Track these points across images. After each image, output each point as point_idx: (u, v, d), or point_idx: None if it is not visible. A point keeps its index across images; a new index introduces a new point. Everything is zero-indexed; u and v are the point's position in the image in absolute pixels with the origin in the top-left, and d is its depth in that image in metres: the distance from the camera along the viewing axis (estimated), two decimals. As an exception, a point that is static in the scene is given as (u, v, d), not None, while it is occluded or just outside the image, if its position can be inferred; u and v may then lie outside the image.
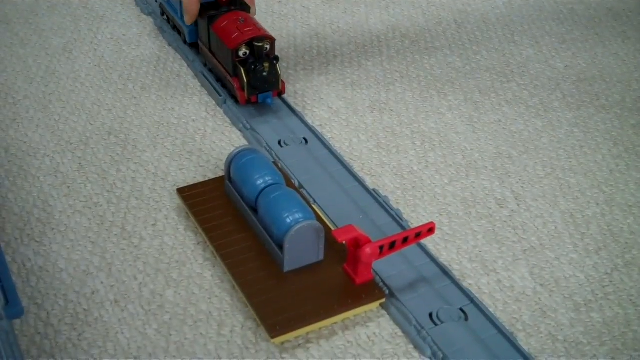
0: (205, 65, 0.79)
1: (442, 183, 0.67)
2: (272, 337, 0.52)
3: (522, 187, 0.67)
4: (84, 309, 0.55)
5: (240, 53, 0.70)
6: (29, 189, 0.65)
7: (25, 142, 0.70)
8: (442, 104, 0.77)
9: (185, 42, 0.82)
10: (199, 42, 0.79)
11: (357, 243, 0.54)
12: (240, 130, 0.72)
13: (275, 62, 0.70)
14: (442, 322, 0.54)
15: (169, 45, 0.84)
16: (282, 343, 0.53)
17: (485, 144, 0.72)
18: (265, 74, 0.70)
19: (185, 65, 0.81)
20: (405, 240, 0.55)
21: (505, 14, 0.93)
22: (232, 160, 0.61)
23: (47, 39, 0.85)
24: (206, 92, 0.77)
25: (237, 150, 0.61)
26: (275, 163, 0.66)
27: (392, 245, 0.55)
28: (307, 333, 0.54)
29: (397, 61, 0.83)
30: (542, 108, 0.77)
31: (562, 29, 0.90)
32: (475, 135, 0.73)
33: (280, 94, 0.73)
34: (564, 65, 0.84)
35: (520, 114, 0.76)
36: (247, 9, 0.75)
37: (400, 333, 0.54)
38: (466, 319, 0.55)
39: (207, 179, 0.66)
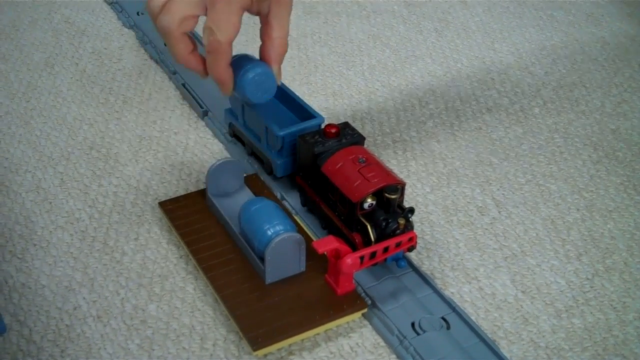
0: (304, 204, 0.64)
1: (423, 192, 0.68)
2: (255, 350, 0.52)
3: (503, 194, 0.68)
4: (67, 325, 0.55)
5: (366, 205, 0.56)
6: (10, 205, 0.65)
7: (6, 158, 0.70)
8: (423, 113, 0.77)
9: (269, 173, 0.67)
10: (299, 179, 0.63)
11: (338, 254, 0.54)
12: (222, 143, 0.72)
13: (410, 215, 0.57)
14: (424, 332, 0.54)
15: (151, 58, 0.84)
16: (265, 355, 0.53)
17: (466, 152, 0.72)
18: (399, 232, 0.56)
19: (167, 78, 0.81)
20: (385, 250, 0.55)
21: (485, 21, 0.93)
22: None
23: (29, 54, 0.85)
24: (188, 105, 0.77)
25: (219, 163, 0.61)
26: (257, 175, 0.67)
27: (373, 256, 0.55)
28: (290, 345, 0.54)
29: (378, 70, 0.84)
30: (523, 115, 0.78)
31: (541, 35, 0.91)
32: (456, 143, 0.73)
33: (411, 248, 0.57)
34: (544, 72, 0.84)
35: (500, 121, 0.77)
36: (361, 140, 0.61)
37: (382, 343, 0.55)
38: (448, 327, 0.55)
39: (189, 192, 0.66)
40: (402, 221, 0.56)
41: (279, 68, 0.62)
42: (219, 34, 0.56)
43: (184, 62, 0.60)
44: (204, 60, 0.60)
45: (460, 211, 0.66)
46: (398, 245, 0.56)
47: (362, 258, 0.54)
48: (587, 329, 0.56)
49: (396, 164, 0.71)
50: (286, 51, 0.61)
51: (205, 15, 0.57)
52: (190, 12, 0.58)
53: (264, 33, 0.60)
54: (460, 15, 0.94)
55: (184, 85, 0.79)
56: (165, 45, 0.59)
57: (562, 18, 0.94)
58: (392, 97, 0.79)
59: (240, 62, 0.60)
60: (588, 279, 0.60)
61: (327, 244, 0.53)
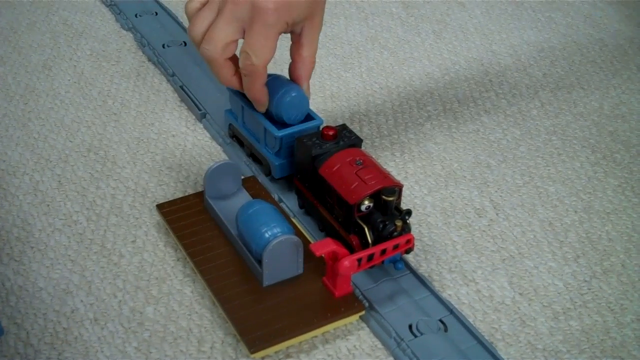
0: (301, 207, 0.64)
1: (421, 194, 0.68)
2: (252, 353, 0.52)
3: (501, 196, 0.68)
4: (64, 328, 0.55)
5: (363, 207, 0.57)
6: (8, 208, 0.65)
7: (4, 161, 0.70)
8: (421, 115, 0.77)
9: (267, 175, 0.67)
10: (297, 181, 0.64)
11: (335, 256, 0.54)
12: (219, 145, 0.72)
13: (408, 217, 0.57)
14: (421, 334, 0.54)
15: (149, 60, 0.84)
16: (263, 358, 0.53)
17: (464, 154, 0.72)
18: (396, 234, 0.57)
19: (165, 80, 0.81)
20: (383, 253, 0.55)
21: (483, 23, 0.93)
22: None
23: (27, 57, 0.85)
24: (186, 107, 0.77)
25: (216, 165, 0.61)
26: (255, 177, 0.67)
27: (370, 258, 0.55)
28: (287, 347, 0.54)
29: (376, 72, 0.84)
30: (521, 116, 0.78)
31: (539, 37, 0.91)
32: (454, 145, 0.73)
33: (409, 250, 0.58)
34: (542, 74, 0.84)
35: (498, 123, 0.77)
36: (358, 142, 0.62)
37: (380, 345, 0.55)
38: (445, 330, 0.55)
39: (187, 194, 0.66)
40: (399, 223, 0.56)
41: (308, 85, 0.65)
42: (255, 58, 0.59)
43: (228, 84, 0.63)
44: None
45: (457, 213, 0.66)
46: (395, 247, 0.56)
47: (359, 260, 0.54)
48: (584, 331, 0.56)
49: (394, 165, 0.71)
50: (313, 67, 0.65)
51: (243, 39, 0.60)
52: (231, 38, 0.60)
53: (295, 52, 0.63)
54: (458, 17, 0.94)
55: (181, 87, 0.79)
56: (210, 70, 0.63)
57: (560, 19, 0.94)
58: (390, 99, 0.80)
59: (275, 84, 0.64)
60: (586, 281, 0.60)
61: (324, 247, 0.53)
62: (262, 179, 0.67)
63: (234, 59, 0.62)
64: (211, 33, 0.60)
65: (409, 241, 0.56)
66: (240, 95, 0.66)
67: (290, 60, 0.64)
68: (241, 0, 0.58)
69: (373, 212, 0.56)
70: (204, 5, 0.62)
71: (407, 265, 0.60)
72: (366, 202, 0.56)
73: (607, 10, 0.97)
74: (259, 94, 0.62)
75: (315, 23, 0.62)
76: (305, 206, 0.63)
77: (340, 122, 0.76)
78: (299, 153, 0.62)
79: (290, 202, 0.65)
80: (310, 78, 0.65)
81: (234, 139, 0.71)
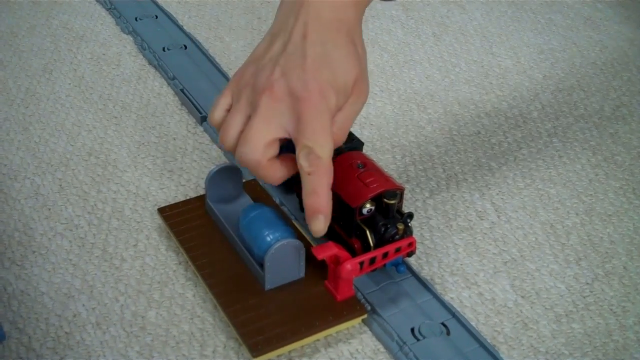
0: (301, 210, 0.59)
1: (422, 196, 0.68)
2: (255, 357, 0.52)
3: (502, 198, 0.68)
4: (66, 332, 0.55)
5: (364, 211, 0.56)
6: (9, 212, 0.65)
7: (5, 165, 0.70)
8: (422, 117, 0.77)
9: None
10: (296, 186, 0.62)
11: (337, 260, 0.54)
12: (220, 148, 0.72)
13: (409, 220, 0.57)
14: (424, 337, 0.54)
15: (149, 63, 0.84)
16: (265, 362, 0.53)
17: (465, 156, 0.72)
18: (398, 237, 0.57)
19: (165, 83, 0.81)
20: (385, 256, 0.55)
21: (483, 25, 0.93)
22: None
23: (27, 60, 0.84)
24: (186, 110, 0.77)
25: (217, 169, 0.61)
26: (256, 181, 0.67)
27: (373, 261, 0.55)
28: (290, 351, 0.54)
29: (376, 75, 0.84)
30: (521, 119, 0.78)
31: (540, 39, 0.91)
32: (455, 148, 0.73)
33: (411, 253, 0.58)
34: (543, 76, 0.84)
35: (499, 125, 0.77)
36: (360, 146, 0.60)
37: (382, 349, 0.54)
38: (448, 333, 0.55)
39: (188, 197, 0.66)
40: (401, 226, 0.56)
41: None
42: (319, 149, 0.51)
43: (278, 183, 0.55)
44: (292, 160, 0.53)
45: (459, 216, 0.66)
46: (398, 250, 0.55)
47: (361, 264, 0.54)
48: (587, 333, 0.56)
49: (395, 168, 0.71)
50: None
51: (289, 136, 0.52)
52: (272, 136, 0.52)
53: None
54: (459, 20, 0.94)
55: (182, 90, 0.79)
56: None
57: (561, 22, 0.94)
58: (390, 102, 0.79)
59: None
60: (588, 283, 0.60)
61: (326, 250, 0.53)
62: (268, 186, 0.67)
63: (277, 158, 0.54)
64: (247, 134, 0.52)
65: (411, 244, 0.56)
66: None
67: None
68: (279, 95, 0.51)
69: (375, 215, 0.56)
70: (228, 111, 0.55)
71: (409, 269, 0.60)
72: (368, 206, 0.56)
73: (607, 12, 0.97)
74: (324, 200, 0.52)
75: (361, 88, 0.54)
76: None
77: (341, 125, 0.76)
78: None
79: (291, 205, 0.65)
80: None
81: None
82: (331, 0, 0.53)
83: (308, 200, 0.52)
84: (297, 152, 0.52)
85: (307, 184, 0.52)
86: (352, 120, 0.55)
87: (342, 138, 0.54)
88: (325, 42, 0.52)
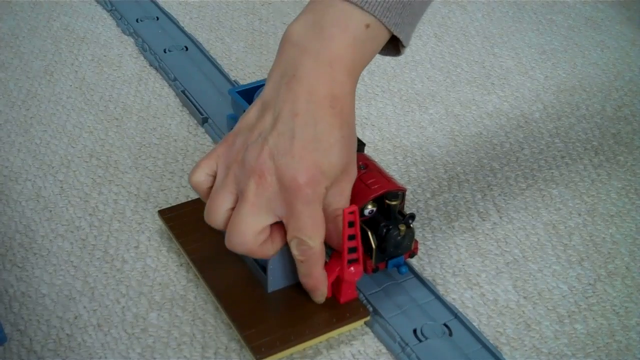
0: None
1: (424, 197, 0.68)
2: (257, 359, 0.52)
3: (504, 199, 0.68)
4: (67, 334, 0.55)
5: (366, 212, 0.56)
6: (10, 214, 0.65)
7: (6, 167, 0.70)
8: (424, 118, 0.77)
9: None
10: None
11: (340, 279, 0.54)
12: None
13: (411, 221, 0.56)
14: (426, 338, 0.54)
15: (150, 65, 0.84)
16: (267, 364, 0.53)
17: (466, 157, 0.72)
18: (399, 238, 0.57)
19: (166, 85, 0.81)
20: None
21: (485, 26, 0.93)
22: None
23: (28, 62, 0.84)
24: (187, 112, 0.77)
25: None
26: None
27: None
28: (292, 353, 0.54)
29: (377, 76, 0.83)
30: (523, 119, 0.77)
31: (541, 39, 0.91)
32: (457, 149, 0.73)
33: (412, 255, 0.59)
34: (544, 76, 0.84)
35: (501, 126, 0.76)
36: (361, 147, 0.59)
37: (384, 350, 0.54)
38: (450, 334, 0.55)
39: (189, 199, 0.66)
40: (403, 227, 0.56)
41: (339, 242, 0.54)
42: (310, 241, 0.51)
43: (276, 254, 0.54)
44: (282, 239, 0.53)
45: (461, 217, 0.66)
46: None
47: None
48: (589, 334, 0.56)
49: (397, 169, 0.70)
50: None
51: (278, 220, 0.51)
52: (262, 225, 0.51)
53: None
54: (460, 20, 0.94)
55: (183, 92, 0.78)
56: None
57: (562, 22, 0.94)
58: (392, 103, 0.79)
59: None
60: (590, 284, 0.60)
61: (330, 275, 0.54)
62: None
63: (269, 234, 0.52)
64: (237, 224, 0.51)
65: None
66: (243, 99, 0.66)
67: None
68: (268, 182, 0.50)
69: (376, 217, 0.56)
70: (212, 177, 0.54)
71: (411, 270, 0.59)
72: (369, 207, 0.56)
73: (609, 12, 0.96)
74: (319, 280, 0.53)
75: (349, 172, 0.53)
76: None
77: (343, 126, 0.75)
78: None
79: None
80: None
81: None
82: (326, 73, 0.50)
83: (303, 280, 0.54)
84: (287, 238, 0.52)
85: (301, 270, 0.53)
86: (348, 195, 0.53)
87: (338, 225, 0.53)
88: (317, 123, 0.50)
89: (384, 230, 0.55)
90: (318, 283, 0.53)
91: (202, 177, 0.54)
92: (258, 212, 0.50)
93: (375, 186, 0.56)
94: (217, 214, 0.52)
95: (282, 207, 0.50)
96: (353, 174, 0.53)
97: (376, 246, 0.56)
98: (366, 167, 0.57)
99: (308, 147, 0.50)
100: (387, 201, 0.55)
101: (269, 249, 0.52)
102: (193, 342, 0.54)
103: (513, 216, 0.66)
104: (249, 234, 0.51)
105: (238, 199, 0.51)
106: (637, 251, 0.63)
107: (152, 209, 0.65)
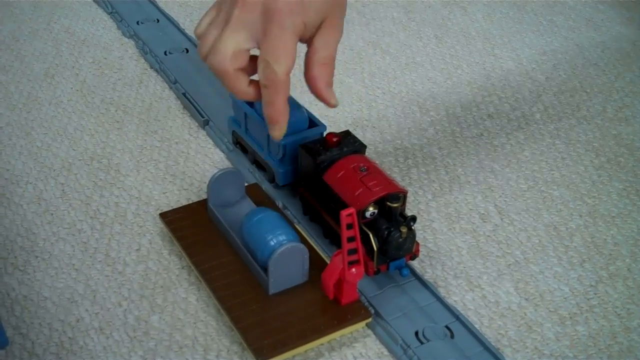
0: (305, 213, 0.64)
1: (425, 199, 0.68)
2: (259, 361, 0.52)
3: (505, 200, 0.68)
4: (69, 338, 0.55)
5: (367, 214, 0.56)
6: (11, 217, 0.65)
7: (7, 170, 0.70)
8: (424, 120, 0.77)
9: (271, 182, 0.67)
10: (301, 188, 0.63)
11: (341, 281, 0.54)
12: (223, 152, 0.72)
13: (412, 223, 0.56)
14: (428, 341, 0.54)
15: (151, 67, 0.84)
16: (269, 366, 0.53)
17: (467, 159, 0.72)
18: (401, 240, 0.56)
19: (167, 87, 0.81)
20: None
21: (485, 27, 0.93)
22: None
23: (29, 65, 0.84)
24: (188, 114, 0.77)
25: (220, 173, 0.61)
26: (259, 185, 0.66)
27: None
28: (294, 355, 0.54)
29: (378, 77, 0.83)
30: (524, 120, 0.78)
31: (542, 40, 0.91)
32: (458, 150, 0.73)
33: (414, 257, 0.59)
34: (545, 77, 0.84)
35: (502, 127, 0.76)
36: (362, 149, 0.60)
37: (386, 352, 0.54)
38: (452, 336, 0.55)
39: (190, 201, 0.66)
40: (404, 230, 0.56)
41: (331, 91, 0.58)
42: (275, 65, 0.53)
43: (244, 97, 0.57)
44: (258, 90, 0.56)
45: (462, 218, 0.66)
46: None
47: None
48: (591, 336, 0.56)
49: (397, 171, 0.70)
50: (332, 73, 0.58)
51: (257, 47, 0.55)
52: (239, 46, 0.54)
53: (307, 55, 0.57)
54: (460, 21, 0.94)
55: (184, 94, 0.78)
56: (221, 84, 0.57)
57: (562, 23, 0.94)
58: (392, 104, 0.79)
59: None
60: (592, 285, 0.60)
61: (332, 276, 0.54)
62: (266, 186, 0.67)
63: (247, 71, 0.56)
64: (218, 43, 0.54)
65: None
66: (244, 102, 0.66)
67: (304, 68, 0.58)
68: (250, 5, 0.53)
69: (378, 219, 0.56)
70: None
71: (413, 272, 0.59)
72: (371, 209, 0.56)
73: (609, 13, 0.96)
74: (279, 111, 0.55)
75: (333, 24, 0.56)
76: (310, 213, 0.63)
77: (343, 128, 0.75)
78: (303, 160, 0.61)
79: (294, 209, 0.65)
80: (330, 84, 0.57)
81: (238, 146, 0.71)
82: None
83: (265, 110, 0.56)
84: (257, 62, 0.54)
85: (264, 96, 0.55)
86: (333, 46, 0.57)
87: (324, 74, 0.56)
88: None
89: (386, 233, 0.55)
90: (279, 114, 0.55)
91: (203, 27, 0.57)
92: (237, 34, 0.54)
93: (377, 188, 0.56)
94: (204, 44, 0.56)
95: (261, 33, 0.54)
96: (339, 28, 0.56)
97: (378, 248, 0.56)
98: (367, 169, 0.57)
99: None
100: (388, 203, 0.56)
101: (241, 82, 0.55)
102: (195, 344, 0.55)
103: (514, 218, 0.66)
104: (228, 52, 0.54)
105: None
106: (638, 252, 0.63)
107: (153, 211, 0.65)
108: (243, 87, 0.56)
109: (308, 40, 0.57)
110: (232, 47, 0.54)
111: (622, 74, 0.85)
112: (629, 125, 0.77)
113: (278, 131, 0.57)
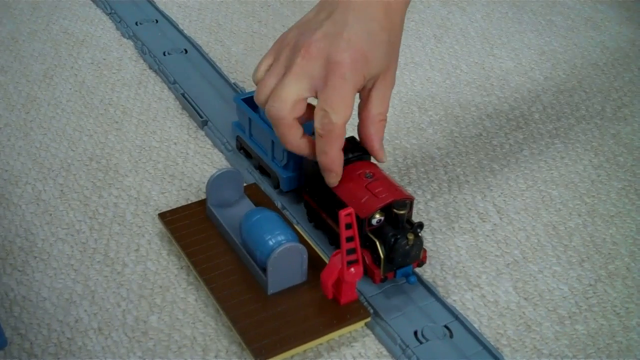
0: (310, 220, 0.63)
1: (424, 199, 0.68)
2: (258, 361, 0.52)
3: (504, 200, 0.68)
4: (68, 338, 0.55)
5: (374, 221, 0.56)
6: (10, 218, 0.65)
7: (6, 170, 0.70)
8: (423, 120, 0.77)
9: (276, 187, 0.66)
10: (306, 195, 0.63)
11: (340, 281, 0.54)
12: (221, 152, 0.72)
13: (420, 230, 0.56)
14: (427, 340, 0.54)
15: (150, 68, 0.84)
16: (268, 366, 0.53)
17: (466, 158, 0.72)
18: (408, 247, 0.56)
19: (166, 87, 0.81)
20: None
21: (484, 27, 0.93)
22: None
23: (28, 66, 0.84)
24: (187, 115, 0.77)
25: (218, 173, 0.61)
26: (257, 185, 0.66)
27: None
28: (292, 355, 0.54)
29: (377, 77, 0.83)
30: (523, 120, 0.78)
31: (540, 40, 0.91)
32: (457, 150, 0.73)
33: (421, 264, 0.58)
34: (544, 77, 0.84)
35: (500, 127, 0.76)
36: (367, 155, 0.60)
37: (385, 352, 0.54)
38: (451, 336, 0.55)
39: (189, 202, 0.66)
40: (411, 237, 0.55)
41: (381, 146, 0.59)
42: (333, 116, 0.54)
43: (296, 149, 0.58)
44: (314, 142, 0.57)
45: (461, 218, 0.66)
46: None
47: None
48: (590, 335, 0.56)
49: (396, 171, 0.70)
50: (385, 127, 0.59)
51: (315, 97, 0.55)
52: (301, 95, 0.55)
53: (363, 109, 0.58)
54: (459, 21, 0.94)
55: (183, 95, 0.78)
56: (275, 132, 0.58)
57: (561, 23, 0.94)
58: (391, 104, 0.79)
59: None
60: (591, 284, 0.60)
61: (331, 276, 0.54)
62: (268, 189, 0.67)
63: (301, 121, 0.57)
64: (279, 90, 0.55)
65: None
66: (248, 106, 0.66)
67: (358, 120, 0.59)
68: (313, 55, 0.54)
69: (384, 226, 0.56)
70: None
71: (412, 271, 0.59)
72: (377, 216, 0.56)
73: (608, 13, 0.96)
74: (334, 160, 0.56)
75: (388, 77, 0.57)
76: (315, 220, 0.63)
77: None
78: (308, 166, 0.61)
79: (293, 210, 0.65)
80: (382, 140, 0.59)
81: (242, 151, 0.71)
82: None
83: (319, 158, 0.56)
84: (315, 111, 0.55)
85: (319, 145, 0.56)
86: (388, 100, 0.58)
87: (380, 131, 0.58)
88: (370, 21, 0.55)
89: (392, 240, 0.55)
90: (333, 163, 0.56)
91: (262, 73, 0.58)
92: (300, 82, 0.55)
93: (383, 195, 0.55)
94: (263, 91, 0.57)
95: (321, 82, 0.54)
96: (393, 81, 0.58)
97: (384, 256, 0.55)
98: (373, 176, 0.57)
99: (360, 35, 0.54)
100: (394, 210, 0.55)
101: (296, 133, 0.56)
102: (194, 345, 0.55)
103: (513, 217, 0.66)
104: (288, 100, 0.55)
105: None
106: (637, 252, 0.63)
107: (152, 212, 0.65)
108: (296, 139, 0.57)
109: (362, 91, 0.57)
110: (293, 95, 0.55)
111: (621, 73, 0.85)
112: (627, 125, 0.77)
113: (334, 179, 0.57)
